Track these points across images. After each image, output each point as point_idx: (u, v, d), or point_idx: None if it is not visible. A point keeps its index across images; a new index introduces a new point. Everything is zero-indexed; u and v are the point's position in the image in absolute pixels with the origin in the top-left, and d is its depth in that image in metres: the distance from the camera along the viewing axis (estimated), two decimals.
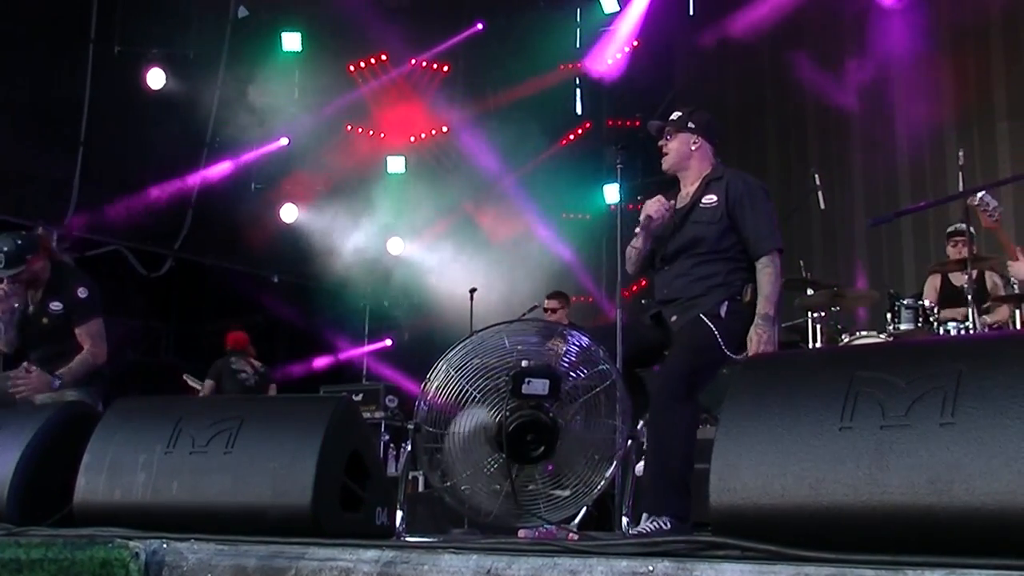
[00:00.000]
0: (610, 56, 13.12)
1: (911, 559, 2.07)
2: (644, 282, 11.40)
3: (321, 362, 12.55)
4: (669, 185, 5.00)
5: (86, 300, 6.14)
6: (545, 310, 9.19)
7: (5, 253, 5.89)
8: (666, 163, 4.82)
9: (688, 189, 4.80)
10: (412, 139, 13.13)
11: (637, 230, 4.81)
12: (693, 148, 4.80)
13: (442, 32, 12.78)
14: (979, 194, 5.76)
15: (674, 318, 4.57)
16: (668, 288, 4.68)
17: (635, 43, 13.02)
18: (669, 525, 4.04)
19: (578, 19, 13.25)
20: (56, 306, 6.08)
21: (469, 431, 4.09)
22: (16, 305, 6.03)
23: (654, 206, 4.73)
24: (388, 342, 13.10)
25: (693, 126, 4.81)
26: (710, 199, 4.66)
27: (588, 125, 13.26)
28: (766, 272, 4.51)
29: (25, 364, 6.00)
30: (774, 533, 2.34)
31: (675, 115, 4.87)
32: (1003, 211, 5.81)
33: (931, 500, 2.19)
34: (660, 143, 4.83)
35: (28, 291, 6.09)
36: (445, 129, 13.10)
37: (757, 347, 4.34)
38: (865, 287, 10.04)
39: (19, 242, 5.95)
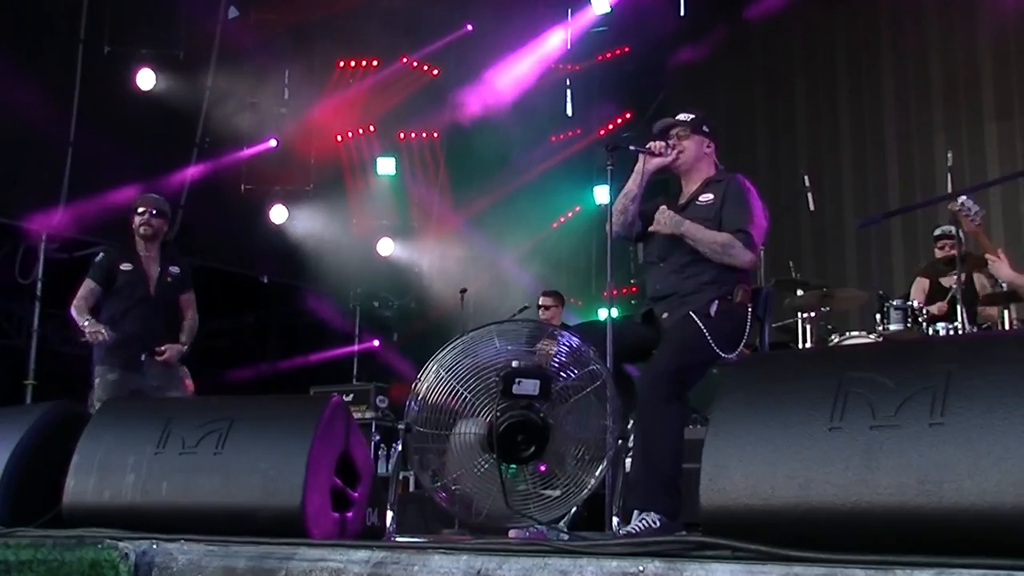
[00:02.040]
0: (601, 57, 13.14)
1: (901, 559, 2.07)
2: (635, 288, 11.48)
3: (311, 362, 12.52)
4: (662, 185, 5.01)
5: (190, 270, 6.76)
6: (539, 307, 9.21)
7: (164, 200, 6.71)
8: (682, 162, 4.80)
9: (690, 189, 4.82)
10: (402, 140, 13.12)
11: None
12: (707, 151, 4.83)
13: (433, 33, 12.76)
14: (960, 199, 5.78)
15: (665, 315, 4.57)
16: (661, 284, 4.68)
17: (626, 49, 13.04)
18: (658, 523, 4.05)
19: (569, 20, 13.23)
20: (175, 270, 6.60)
21: (460, 431, 4.08)
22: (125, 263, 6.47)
23: (658, 144, 4.76)
24: (376, 343, 13.07)
25: (707, 130, 4.84)
26: (707, 197, 4.68)
27: (579, 131, 13.25)
28: (723, 234, 4.55)
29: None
30: (764, 533, 2.34)
31: (688, 116, 4.86)
32: (984, 215, 5.82)
33: (920, 500, 2.20)
34: (670, 140, 4.80)
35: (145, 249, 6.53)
36: (436, 132, 13.08)
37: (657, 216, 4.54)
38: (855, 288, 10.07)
39: (168, 202, 6.80)
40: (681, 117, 4.87)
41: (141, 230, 6.50)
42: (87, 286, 6.42)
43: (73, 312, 6.36)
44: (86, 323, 6.21)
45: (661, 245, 4.73)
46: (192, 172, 11.74)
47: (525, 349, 4.19)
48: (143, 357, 6.35)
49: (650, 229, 4.54)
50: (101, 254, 6.61)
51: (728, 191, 4.65)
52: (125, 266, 6.43)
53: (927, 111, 11.34)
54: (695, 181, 4.80)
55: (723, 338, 4.39)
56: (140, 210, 6.53)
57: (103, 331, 6.15)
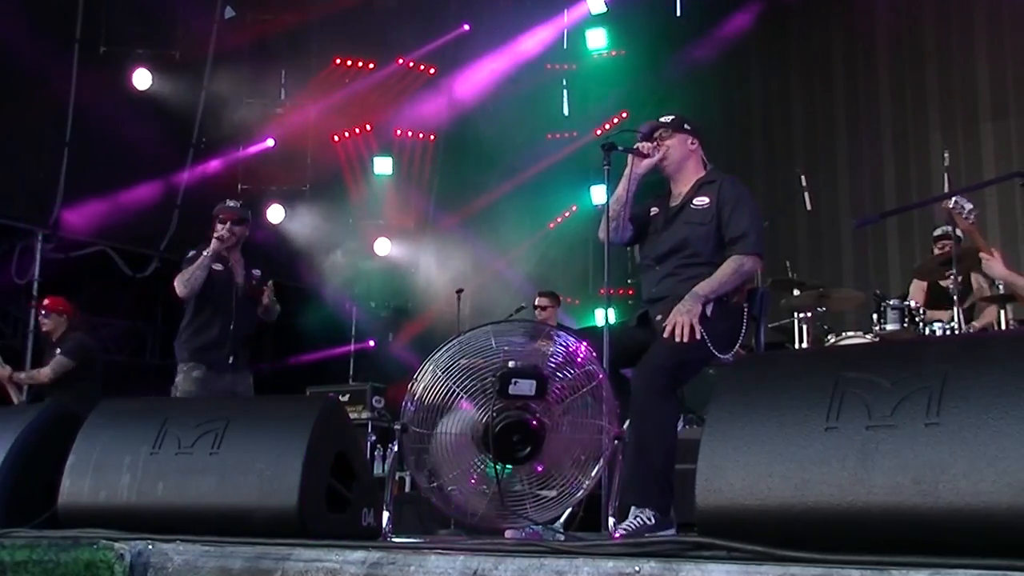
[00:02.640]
0: (597, 56, 13.15)
1: (896, 559, 2.07)
2: (631, 291, 11.48)
3: (307, 363, 12.51)
4: (656, 185, 5.01)
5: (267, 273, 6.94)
6: (535, 307, 9.23)
7: (243, 207, 6.89)
8: (668, 162, 4.80)
9: (680, 190, 4.81)
10: (399, 140, 13.11)
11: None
12: (691, 148, 4.82)
13: (429, 33, 12.76)
14: (954, 197, 5.78)
15: (659, 316, 4.57)
16: (656, 287, 4.69)
17: (623, 49, 13.05)
18: (653, 520, 4.06)
19: (565, 20, 13.24)
20: (256, 272, 6.83)
21: (456, 432, 4.08)
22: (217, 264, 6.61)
23: (645, 144, 4.76)
24: (371, 343, 13.06)
25: (690, 128, 4.83)
26: (701, 200, 4.68)
27: (575, 131, 13.25)
28: (729, 264, 4.51)
29: None
30: (760, 533, 2.34)
31: (668, 118, 4.86)
32: (978, 213, 5.84)
33: (916, 500, 2.20)
34: (654, 143, 4.81)
35: (230, 255, 6.71)
36: (433, 131, 13.08)
37: (672, 318, 4.30)
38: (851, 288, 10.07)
39: (248, 207, 7.05)
40: (663, 119, 4.88)
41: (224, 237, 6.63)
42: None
43: (181, 281, 6.52)
44: (202, 256, 6.44)
45: (656, 248, 4.74)
46: (188, 172, 11.73)
47: (521, 349, 4.19)
48: (231, 360, 6.52)
49: (667, 335, 4.32)
50: (192, 251, 6.71)
51: (722, 194, 4.65)
52: (217, 267, 6.58)
53: (923, 111, 11.36)
54: (685, 182, 4.80)
55: (719, 338, 4.40)
56: (221, 217, 6.66)
57: (222, 231, 6.47)
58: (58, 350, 8.23)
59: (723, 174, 4.82)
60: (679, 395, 4.45)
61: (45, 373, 8.16)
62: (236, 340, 6.60)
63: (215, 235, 6.53)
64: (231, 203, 6.86)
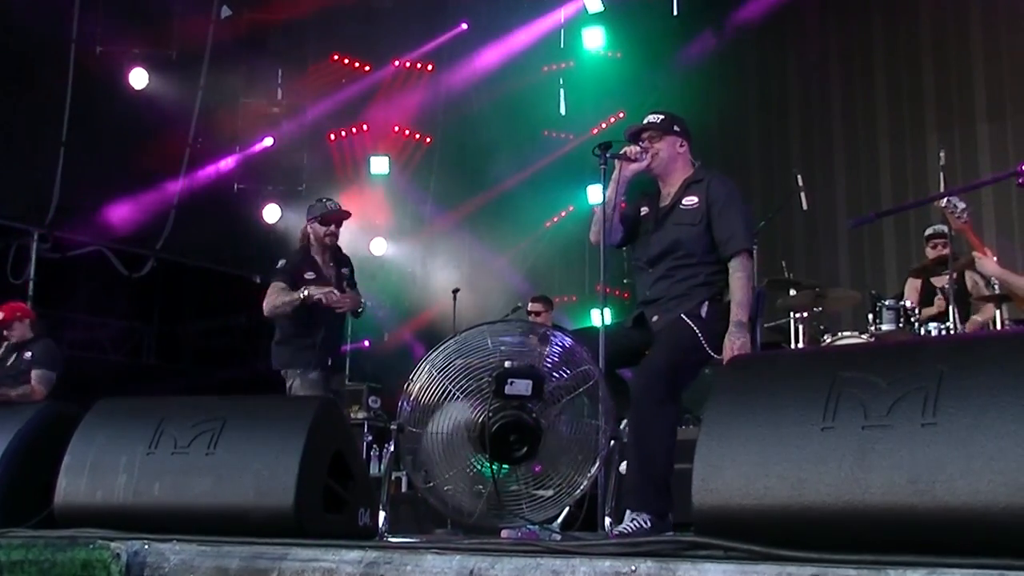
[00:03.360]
0: (594, 54, 13.16)
1: (893, 559, 2.08)
2: (627, 295, 11.48)
3: None
4: (645, 184, 5.01)
5: (353, 265, 6.73)
6: (529, 313, 9.22)
7: (341, 207, 6.56)
8: (656, 164, 4.78)
9: (669, 190, 4.81)
10: (396, 140, 13.10)
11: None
12: (680, 151, 4.81)
13: (427, 32, 12.75)
14: (946, 197, 5.79)
15: (656, 318, 4.58)
16: (650, 289, 4.68)
17: (619, 54, 13.05)
18: (649, 523, 4.06)
19: (562, 18, 13.24)
20: (346, 271, 6.61)
21: (451, 431, 4.08)
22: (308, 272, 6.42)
23: (632, 149, 4.74)
24: (366, 343, 13.04)
25: (679, 129, 4.82)
26: (691, 201, 4.67)
27: (572, 131, 13.24)
28: (736, 276, 4.51)
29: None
30: (756, 533, 2.34)
31: (657, 118, 4.83)
32: (971, 212, 5.85)
33: (912, 500, 2.20)
34: (643, 144, 4.79)
35: (322, 255, 6.51)
36: (429, 131, 13.07)
37: (731, 354, 4.30)
38: (847, 288, 10.07)
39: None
40: (650, 119, 4.84)
41: (327, 240, 6.45)
42: (277, 287, 6.35)
43: (271, 305, 6.31)
44: (304, 292, 6.19)
45: (648, 250, 4.74)
46: (185, 172, 11.72)
47: (517, 349, 4.19)
48: (330, 361, 6.45)
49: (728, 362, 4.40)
50: (283, 260, 6.55)
51: (711, 193, 4.64)
52: (308, 275, 6.36)
53: (919, 112, 11.36)
54: (673, 183, 4.79)
55: (715, 338, 4.41)
56: (328, 219, 6.44)
57: (332, 291, 6.24)
58: (28, 353, 8.07)
59: (710, 172, 4.81)
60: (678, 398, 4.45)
61: (39, 391, 8.01)
62: (334, 341, 6.52)
63: (321, 295, 6.20)
64: (330, 203, 6.52)
